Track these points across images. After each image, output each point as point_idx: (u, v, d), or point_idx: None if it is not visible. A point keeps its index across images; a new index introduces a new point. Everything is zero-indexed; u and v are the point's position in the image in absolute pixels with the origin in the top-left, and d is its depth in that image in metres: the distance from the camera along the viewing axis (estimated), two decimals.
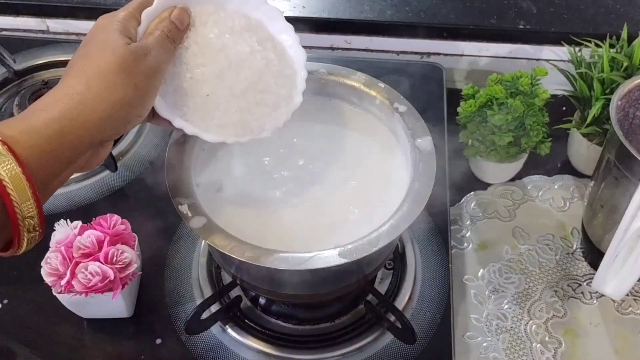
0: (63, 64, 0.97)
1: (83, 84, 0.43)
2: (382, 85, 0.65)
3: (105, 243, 0.65)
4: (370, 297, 0.70)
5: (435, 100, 0.89)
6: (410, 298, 0.72)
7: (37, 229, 0.41)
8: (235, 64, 0.53)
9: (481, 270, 0.78)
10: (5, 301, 0.72)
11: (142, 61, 0.46)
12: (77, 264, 0.64)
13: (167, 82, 0.51)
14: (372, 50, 0.98)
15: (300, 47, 0.58)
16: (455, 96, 0.85)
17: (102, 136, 0.45)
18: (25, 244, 0.41)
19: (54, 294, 0.65)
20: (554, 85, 0.83)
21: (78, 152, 0.44)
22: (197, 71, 0.52)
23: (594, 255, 0.77)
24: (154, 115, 0.52)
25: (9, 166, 0.38)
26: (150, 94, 0.47)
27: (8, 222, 0.39)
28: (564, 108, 0.91)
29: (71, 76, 0.44)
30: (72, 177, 0.81)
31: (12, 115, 0.87)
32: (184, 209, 0.55)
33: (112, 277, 0.64)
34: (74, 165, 0.45)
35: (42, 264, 0.65)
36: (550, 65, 0.86)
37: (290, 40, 0.58)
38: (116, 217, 0.68)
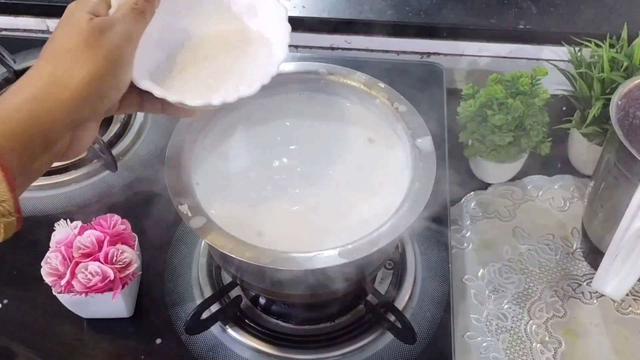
0: None
1: (51, 64, 0.43)
2: (382, 85, 0.65)
3: (105, 243, 0.65)
4: (370, 297, 0.70)
5: (435, 100, 0.89)
6: (410, 298, 0.72)
7: (13, 214, 0.40)
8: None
9: (481, 270, 0.78)
10: (5, 301, 0.72)
11: (108, 33, 0.45)
12: (77, 264, 0.64)
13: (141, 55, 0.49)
14: (372, 50, 0.98)
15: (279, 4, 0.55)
16: (455, 96, 0.85)
17: (79, 116, 0.44)
18: (2, 231, 0.40)
19: (54, 294, 0.65)
20: (554, 85, 0.83)
21: (55, 133, 0.43)
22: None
23: (594, 255, 0.77)
24: (121, 104, 0.50)
25: None
26: (123, 63, 0.46)
27: None
28: (564, 108, 0.91)
29: (41, 59, 0.44)
30: (72, 177, 0.82)
31: None
32: (184, 209, 0.55)
33: (112, 277, 0.64)
34: (52, 149, 0.43)
35: (42, 264, 0.65)
36: (550, 65, 0.86)
37: None
38: (116, 217, 0.68)
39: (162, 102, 0.51)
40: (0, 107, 0.41)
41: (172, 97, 0.50)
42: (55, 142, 0.43)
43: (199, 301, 0.71)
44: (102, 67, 0.44)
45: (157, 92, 0.49)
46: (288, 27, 0.54)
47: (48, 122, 0.42)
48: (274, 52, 0.54)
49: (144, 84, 0.49)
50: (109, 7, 0.48)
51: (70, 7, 0.46)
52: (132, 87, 0.49)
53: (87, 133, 0.46)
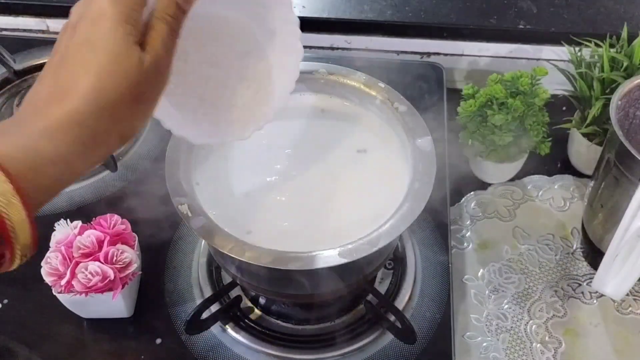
0: None
1: (93, 115, 0.39)
2: (382, 85, 0.65)
3: (105, 243, 0.65)
4: (370, 297, 0.70)
5: (435, 100, 0.89)
6: (410, 298, 0.72)
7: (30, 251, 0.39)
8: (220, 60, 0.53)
9: (481, 270, 0.78)
10: (5, 301, 0.72)
11: (153, 85, 0.42)
12: (77, 263, 0.64)
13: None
14: (372, 50, 0.98)
15: (299, 42, 0.55)
16: (455, 96, 0.85)
17: (104, 159, 0.43)
18: (18, 261, 0.39)
19: (54, 293, 0.65)
20: (554, 85, 0.83)
21: (76, 178, 0.42)
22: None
23: (594, 255, 0.77)
24: None
25: (17, 215, 0.36)
26: (153, 111, 0.44)
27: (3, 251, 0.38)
28: (564, 108, 0.91)
29: (78, 96, 0.39)
30: None
31: (12, 115, 0.87)
32: (184, 209, 0.55)
33: (112, 277, 0.64)
34: None
35: (42, 263, 0.65)
36: (550, 65, 0.86)
37: (290, 32, 0.55)
38: (116, 217, 0.69)
39: None
40: (35, 158, 0.38)
41: (177, 132, 0.50)
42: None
43: (199, 301, 0.71)
44: (139, 124, 0.42)
45: (168, 127, 0.49)
46: (297, 72, 0.55)
47: (77, 174, 0.41)
48: (276, 93, 0.55)
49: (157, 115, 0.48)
50: (145, 4, 0.42)
51: (108, 14, 0.40)
52: None
53: None
